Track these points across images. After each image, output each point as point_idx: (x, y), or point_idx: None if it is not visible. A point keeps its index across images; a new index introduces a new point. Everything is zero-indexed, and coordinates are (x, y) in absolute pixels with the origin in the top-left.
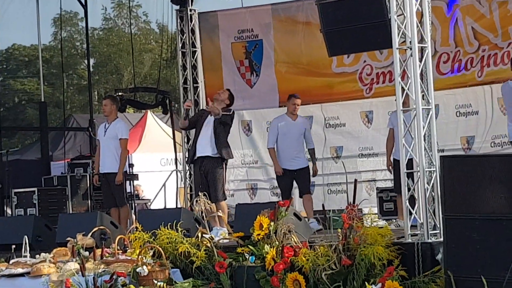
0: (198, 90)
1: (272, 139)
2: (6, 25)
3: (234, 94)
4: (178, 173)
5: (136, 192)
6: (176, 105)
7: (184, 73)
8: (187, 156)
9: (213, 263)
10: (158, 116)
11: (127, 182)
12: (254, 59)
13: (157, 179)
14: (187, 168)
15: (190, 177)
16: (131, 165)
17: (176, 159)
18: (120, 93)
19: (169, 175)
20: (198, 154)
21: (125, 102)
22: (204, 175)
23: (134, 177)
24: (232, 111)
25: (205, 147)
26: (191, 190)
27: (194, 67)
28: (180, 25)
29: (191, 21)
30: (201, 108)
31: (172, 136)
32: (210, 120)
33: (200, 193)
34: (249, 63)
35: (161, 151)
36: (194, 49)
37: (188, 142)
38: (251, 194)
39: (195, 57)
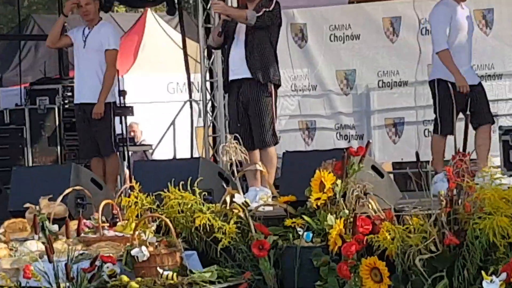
0: None
1: (444, 36)
2: None
3: None
4: (195, 105)
5: (131, 134)
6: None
7: None
8: (208, 78)
9: (248, 242)
10: (163, 17)
11: (117, 118)
12: None
13: (163, 114)
14: (209, 97)
15: (213, 112)
16: (122, 93)
17: (189, 83)
18: None
19: (181, 108)
20: (231, 77)
21: None
22: (243, 107)
23: (127, 110)
24: (274, 1)
25: (241, 65)
26: (214, 131)
27: None
28: None
29: None
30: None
31: (182, 48)
32: (242, 25)
33: (229, 136)
34: None
35: (167, 71)
36: None
37: (210, 58)
38: (307, 137)
39: None
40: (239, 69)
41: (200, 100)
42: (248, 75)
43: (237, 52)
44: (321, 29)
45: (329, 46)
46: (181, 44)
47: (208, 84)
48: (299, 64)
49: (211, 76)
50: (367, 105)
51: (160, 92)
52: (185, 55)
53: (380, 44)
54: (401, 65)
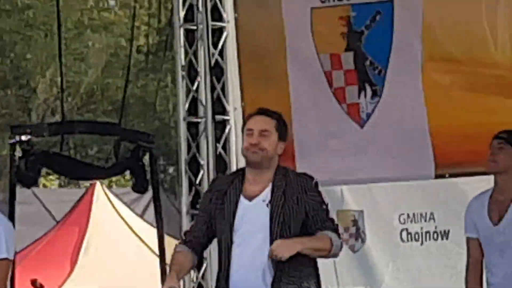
0: (228, 130)
1: None
2: None
3: (320, 140)
4: None
5: None
6: (170, 169)
7: (193, 85)
8: None
9: None
10: (124, 196)
11: None
12: (369, 51)
13: None
14: None
15: None
16: None
17: None
18: (23, 136)
19: None
20: None
21: (38, 161)
22: None
23: None
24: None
25: (254, 273)
26: None
27: (218, 71)
28: None
29: None
30: (228, 173)
31: (157, 252)
32: (255, 205)
33: None
34: (355, 62)
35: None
36: (219, 23)
37: (199, 268)
38: None
39: (219, 46)
40: (250, 280)
41: None
42: None
43: (248, 257)
44: (388, 220)
45: (400, 250)
46: (150, 242)
47: None
48: (351, 280)
49: None
50: None
51: None
52: (162, 262)
53: None
54: None
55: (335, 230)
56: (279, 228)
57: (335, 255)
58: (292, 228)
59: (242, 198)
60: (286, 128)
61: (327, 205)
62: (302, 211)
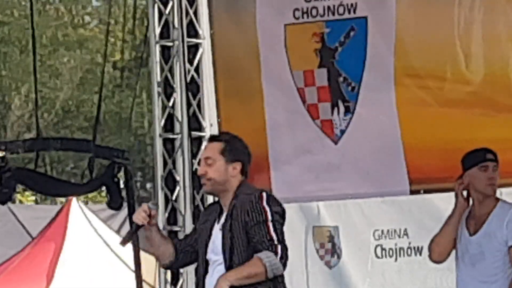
0: (204, 146)
1: None
2: None
3: (294, 155)
4: None
5: None
6: (148, 186)
7: (169, 102)
8: None
9: None
10: (100, 213)
11: None
12: (342, 67)
13: None
14: None
15: None
16: None
17: None
18: None
19: None
20: None
21: (13, 177)
22: None
23: None
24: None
25: None
26: None
27: (194, 87)
28: None
29: None
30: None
31: (133, 268)
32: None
33: None
34: (329, 78)
35: None
36: (195, 40)
37: (175, 284)
38: None
39: (195, 62)
40: None
41: None
42: None
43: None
44: (363, 236)
45: (376, 266)
46: (126, 258)
47: None
48: None
49: None
50: None
51: None
52: (138, 278)
53: None
54: None
55: (273, 247)
56: (229, 253)
57: (276, 274)
58: (241, 251)
59: (215, 224)
60: (237, 149)
61: (272, 220)
62: (244, 233)
